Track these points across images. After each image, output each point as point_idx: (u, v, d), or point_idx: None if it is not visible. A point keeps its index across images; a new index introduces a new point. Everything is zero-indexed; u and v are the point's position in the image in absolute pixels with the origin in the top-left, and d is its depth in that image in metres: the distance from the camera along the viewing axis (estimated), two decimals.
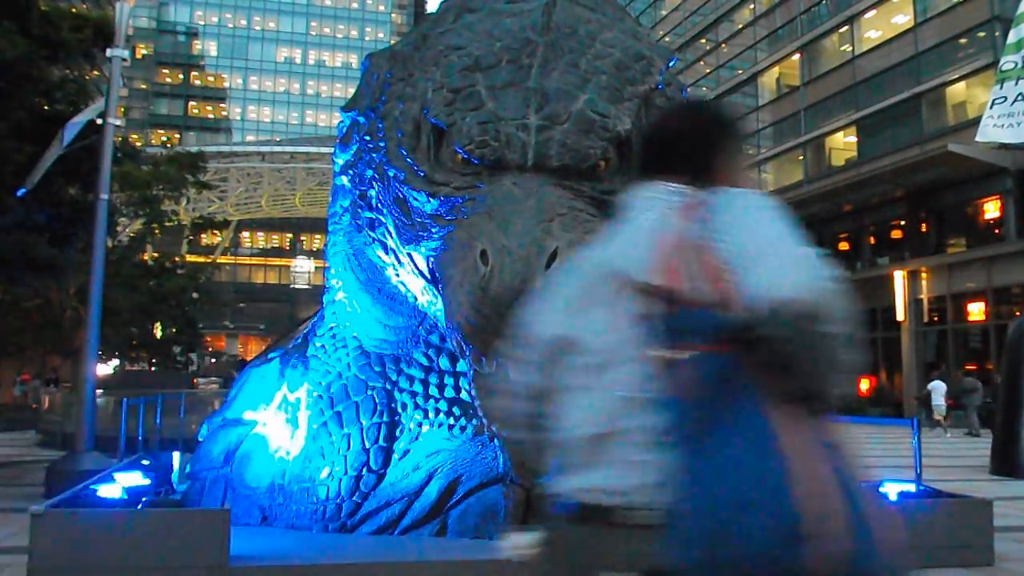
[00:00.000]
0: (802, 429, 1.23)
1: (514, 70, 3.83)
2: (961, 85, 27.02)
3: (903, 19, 29.61)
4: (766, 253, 1.34)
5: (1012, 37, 14.33)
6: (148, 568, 4.13)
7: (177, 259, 32.69)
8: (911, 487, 5.34)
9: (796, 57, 34.86)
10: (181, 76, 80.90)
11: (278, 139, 67.00)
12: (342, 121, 4.87)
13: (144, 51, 76.44)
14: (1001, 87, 14.02)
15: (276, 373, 5.64)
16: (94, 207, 8.70)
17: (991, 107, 14.09)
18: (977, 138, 14.74)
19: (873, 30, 31.11)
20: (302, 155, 48.13)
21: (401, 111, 4.06)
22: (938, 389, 20.60)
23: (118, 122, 9.06)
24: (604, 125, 3.71)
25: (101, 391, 14.35)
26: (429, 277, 3.98)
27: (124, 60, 9.11)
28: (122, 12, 9.07)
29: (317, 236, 68.10)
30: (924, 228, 27.37)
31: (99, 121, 8.88)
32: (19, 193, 9.04)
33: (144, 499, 4.54)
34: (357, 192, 4.46)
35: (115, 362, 35.19)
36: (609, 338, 1.39)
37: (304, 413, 5.37)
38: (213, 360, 57.23)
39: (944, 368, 24.12)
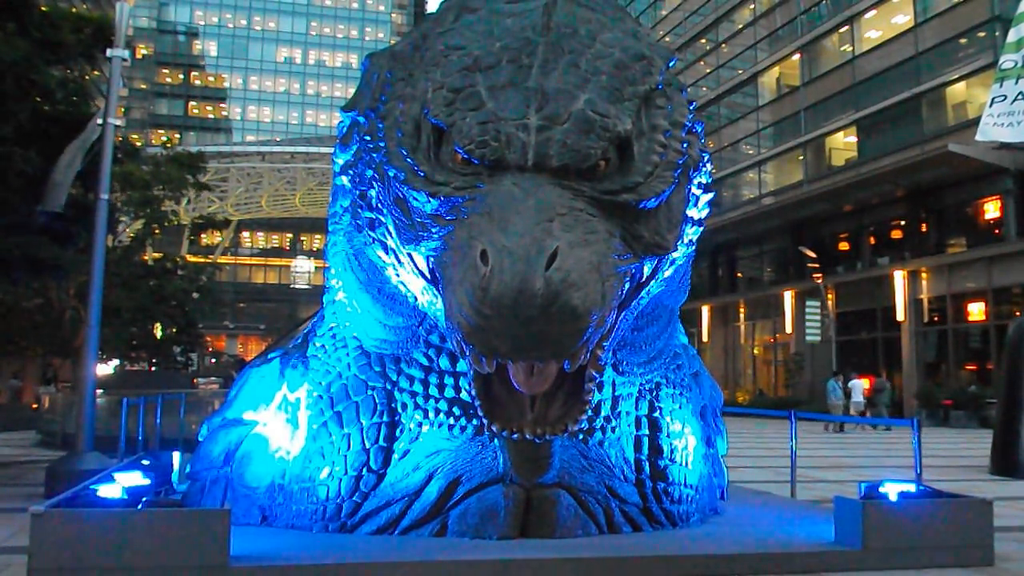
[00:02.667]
0: None
1: (514, 70, 3.82)
2: (961, 85, 27.02)
3: (903, 19, 29.61)
4: None
5: (1012, 36, 14.24)
6: (148, 568, 4.12)
7: (178, 259, 32.68)
8: (911, 487, 5.34)
9: (796, 57, 34.86)
10: (181, 76, 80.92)
11: (278, 139, 67.05)
12: (342, 121, 4.87)
13: (144, 51, 76.47)
14: (1000, 86, 13.93)
15: (276, 373, 5.64)
16: (95, 207, 8.70)
17: (990, 106, 14.00)
18: (977, 137, 14.68)
19: (873, 30, 31.12)
20: (302, 155, 48.17)
21: (401, 111, 4.06)
22: (857, 387, 23.47)
23: (118, 122, 9.05)
24: (604, 125, 3.70)
25: (101, 391, 14.35)
26: (429, 277, 3.98)
27: (124, 60, 9.10)
28: (122, 12, 9.07)
29: (317, 236, 68.14)
30: (924, 228, 27.37)
31: (99, 121, 8.88)
32: (40, 209, 9.06)
33: (144, 499, 4.53)
34: (357, 192, 4.46)
35: (115, 362, 35.18)
36: None
37: (304, 413, 5.37)
38: (213, 360, 57.22)
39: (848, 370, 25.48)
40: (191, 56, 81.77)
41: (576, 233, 3.43)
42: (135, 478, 5.11)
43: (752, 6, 38.62)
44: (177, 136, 69.81)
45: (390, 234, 4.14)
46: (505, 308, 3.19)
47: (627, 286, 3.86)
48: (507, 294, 3.18)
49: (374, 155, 4.15)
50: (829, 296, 28.96)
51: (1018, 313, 20.43)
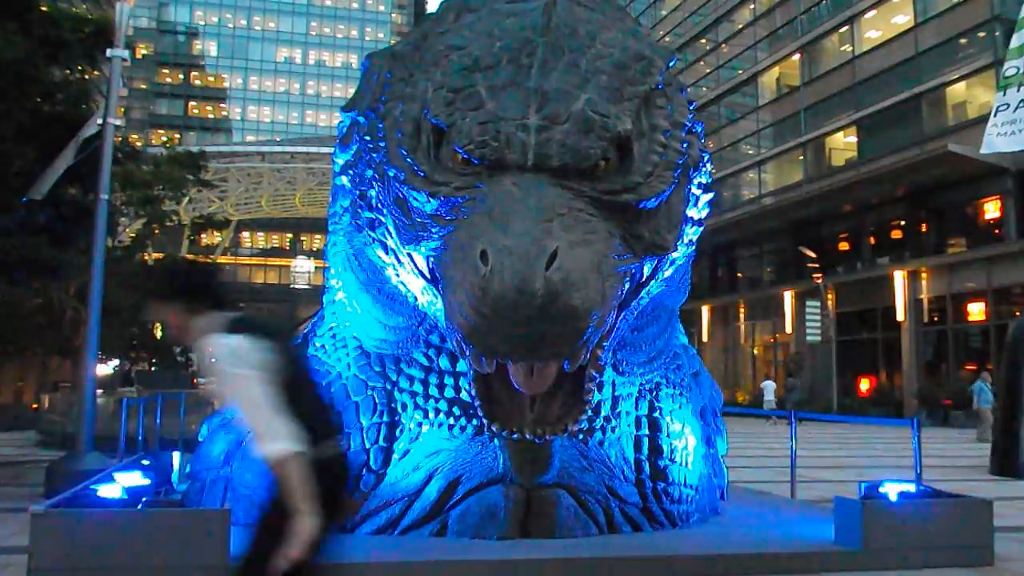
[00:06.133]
0: None
1: (514, 70, 3.82)
2: (961, 85, 27.01)
3: (903, 19, 29.61)
4: None
5: (1014, 41, 13.93)
6: (148, 568, 4.13)
7: (178, 260, 32.67)
8: (911, 487, 5.34)
9: (796, 57, 34.85)
10: (181, 76, 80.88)
11: (278, 139, 67.02)
12: (342, 121, 4.87)
13: (144, 51, 76.39)
14: (1004, 94, 13.65)
15: None
16: (95, 207, 8.71)
17: (995, 115, 13.68)
18: (982, 150, 14.38)
19: (873, 30, 31.11)
20: (302, 155, 48.13)
21: (401, 111, 4.05)
22: (768, 388, 25.80)
23: (118, 122, 9.06)
24: (604, 125, 3.70)
25: (102, 391, 14.35)
26: (429, 277, 3.97)
27: (124, 60, 9.12)
28: (122, 12, 9.08)
29: (317, 236, 68.08)
30: (924, 228, 27.37)
31: (99, 121, 8.89)
32: (24, 200, 9.07)
33: (144, 499, 4.53)
34: (357, 192, 4.46)
35: (115, 362, 35.20)
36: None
37: None
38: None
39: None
40: (191, 56, 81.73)
41: (576, 233, 3.42)
42: (135, 478, 5.12)
43: (752, 6, 38.61)
44: (177, 136, 69.79)
45: (390, 234, 4.14)
46: (505, 308, 3.19)
47: (627, 286, 3.86)
48: (507, 294, 3.18)
49: (374, 155, 4.15)
50: (829, 296, 28.96)
51: (1018, 313, 20.42)
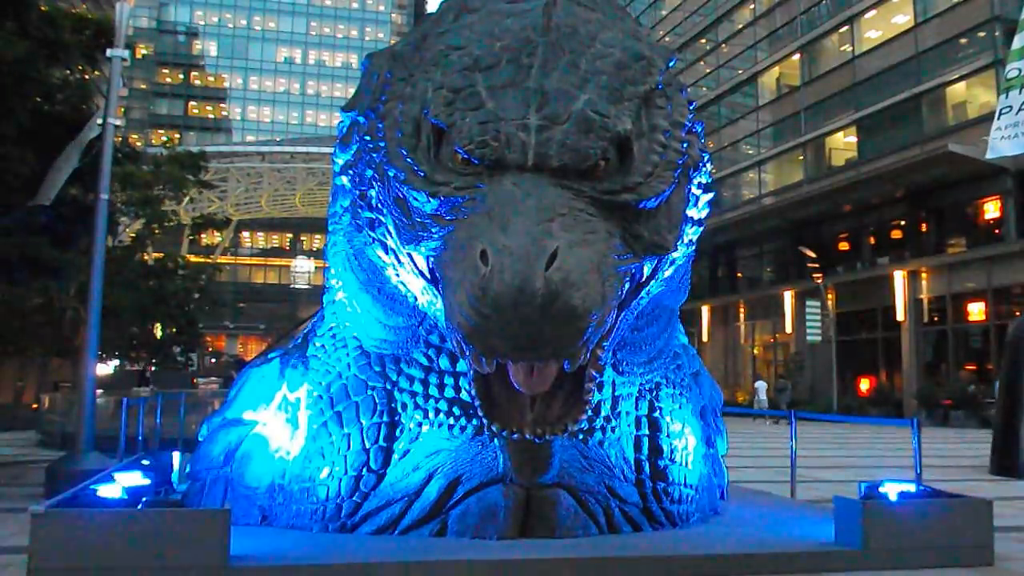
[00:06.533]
0: None
1: (514, 70, 3.82)
2: (961, 85, 27.01)
3: (903, 19, 29.61)
4: None
5: (1016, 43, 13.78)
6: (148, 568, 4.12)
7: (178, 259, 32.68)
8: (911, 487, 5.33)
9: (796, 57, 34.85)
10: (181, 76, 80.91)
11: (278, 139, 67.04)
12: (342, 121, 4.87)
13: (144, 51, 76.37)
14: (1007, 96, 13.51)
15: (276, 373, 5.64)
16: (95, 207, 8.72)
17: (998, 118, 13.50)
18: (987, 155, 14.25)
19: (873, 30, 31.11)
20: (302, 155, 48.18)
21: (401, 111, 4.05)
22: (761, 388, 27.32)
23: (118, 122, 9.07)
24: (604, 125, 3.70)
25: (102, 390, 14.35)
26: (429, 277, 3.98)
27: (124, 60, 9.12)
28: (122, 12, 9.08)
29: (317, 236, 68.12)
30: (924, 228, 27.37)
31: (99, 122, 8.90)
32: (30, 204, 9.10)
33: (144, 499, 4.53)
34: (357, 192, 4.46)
35: (115, 362, 35.20)
36: None
37: (304, 413, 5.37)
38: (213, 360, 57.20)
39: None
40: (191, 56, 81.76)
41: (576, 233, 3.43)
42: (135, 478, 5.11)
43: (752, 6, 38.61)
44: (177, 136, 69.80)
45: (390, 234, 4.14)
46: (505, 308, 3.19)
47: (627, 286, 3.86)
48: (507, 294, 3.18)
49: (374, 155, 4.15)
50: (829, 296, 28.96)
51: (1018, 313, 20.42)
